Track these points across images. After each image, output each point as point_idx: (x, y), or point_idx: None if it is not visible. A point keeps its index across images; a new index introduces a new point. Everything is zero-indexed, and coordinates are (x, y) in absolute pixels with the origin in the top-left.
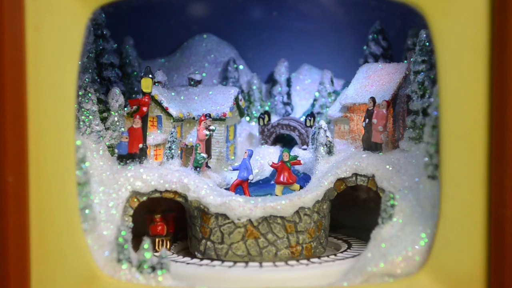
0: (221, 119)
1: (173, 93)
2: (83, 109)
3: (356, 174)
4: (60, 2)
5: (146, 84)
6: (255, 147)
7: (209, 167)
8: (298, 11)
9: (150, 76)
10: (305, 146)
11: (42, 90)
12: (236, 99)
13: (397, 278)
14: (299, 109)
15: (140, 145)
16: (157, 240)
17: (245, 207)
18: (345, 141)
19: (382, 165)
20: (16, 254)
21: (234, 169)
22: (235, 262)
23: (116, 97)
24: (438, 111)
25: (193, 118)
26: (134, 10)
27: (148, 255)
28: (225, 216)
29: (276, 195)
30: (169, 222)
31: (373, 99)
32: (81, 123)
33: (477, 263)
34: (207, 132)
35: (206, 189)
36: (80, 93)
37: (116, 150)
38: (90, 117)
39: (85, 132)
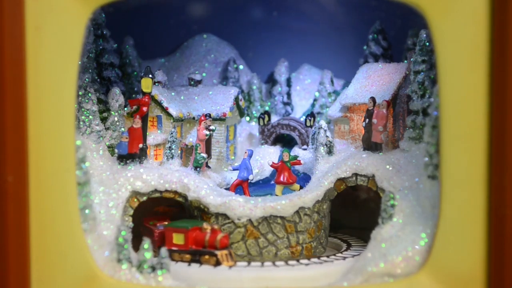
0: (221, 119)
1: (173, 93)
2: (83, 109)
3: (356, 174)
4: (60, 2)
5: (146, 84)
6: (255, 147)
7: (209, 167)
8: (298, 11)
9: (150, 76)
10: (305, 146)
11: (42, 90)
12: (236, 99)
13: (397, 278)
14: (299, 109)
15: (140, 145)
16: (224, 253)
17: (245, 207)
18: (345, 141)
19: (382, 165)
20: (16, 254)
21: (234, 169)
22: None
23: (116, 97)
24: (438, 111)
25: (193, 118)
26: (134, 10)
27: (148, 255)
28: (225, 216)
29: (276, 195)
30: None
31: (373, 99)
32: (81, 123)
33: (477, 263)
34: (207, 132)
35: (206, 189)
36: (80, 93)
37: (116, 150)
38: (90, 117)
39: (85, 132)
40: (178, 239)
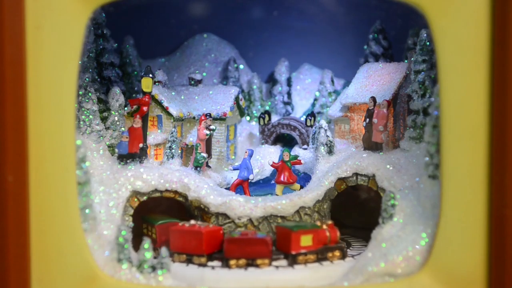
0: (221, 118)
1: (173, 93)
2: (83, 109)
3: (356, 174)
4: (60, 2)
5: (146, 83)
6: (255, 146)
7: (209, 166)
8: (299, 11)
9: (151, 75)
10: (305, 146)
11: (42, 90)
12: (237, 99)
13: (398, 278)
14: (300, 109)
15: (141, 145)
16: (344, 246)
17: (245, 207)
18: (345, 141)
19: (383, 165)
20: (16, 254)
21: (234, 169)
22: None
23: (117, 97)
24: (439, 111)
25: (194, 117)
26: (135, 10)
27: (148, 254)
28: (225, 216)
29: (277, 195)
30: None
31: (373, 99)
32: (81, 122)
33: (477, 263)
34: (208, 132)
35: (206, 189)
36: (80, 92)
37: (116, 150)
38: (91, 116)
39: (85, 131)
40: (306, 240)
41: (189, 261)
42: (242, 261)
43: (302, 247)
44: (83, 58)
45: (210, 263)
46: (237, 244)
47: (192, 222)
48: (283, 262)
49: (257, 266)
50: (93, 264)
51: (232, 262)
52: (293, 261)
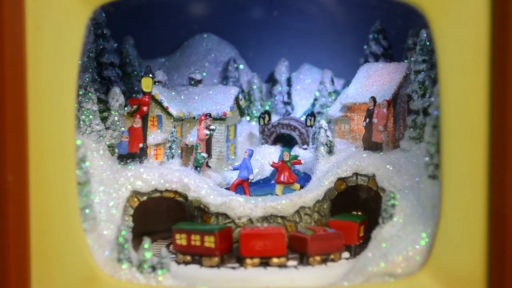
0: (221, 118)
1: (173, 93)
2: (83, 109)
3: (356, 174)
4: (60, 2)
5: (146, 83)
6: (255, 146)
7: (209, 166)
8: (299, 11)
9: (151, 75)
10: (305, 146)
11: (42, 90)
12: (237, 99)
13: (398, 278)
14: (300, 109)
15: (141, 145)
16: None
17: (245, 207)
18: (345, 141)
19: (383, 165)
20: (16, 254)
21: (234, 169)
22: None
23: (117, 97)
24: (439, 111)
25: (194, 117)
26: (135, 10)
27: (148, 254)
28: (225, 216)
29: (277, 195)
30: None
31: (373, 99)
32: (81, 122)
33: (477, 263)
34: (208, 132)
35: (206, 189)
36: (80, 92)
37: (116, 150)
38: (91, 116)
39: (85, 131)
40: (361, 231)
41: (265, 264)
42: (319, 258)
43: (360, 238)
44: (83, 58)
45: (288, 263)
46: (320, 241)
47: (259, 224)
48: (346, 254)
49: (332, 260)
50: (93, 264)
51: (312, 259)
52: (355, 252)
